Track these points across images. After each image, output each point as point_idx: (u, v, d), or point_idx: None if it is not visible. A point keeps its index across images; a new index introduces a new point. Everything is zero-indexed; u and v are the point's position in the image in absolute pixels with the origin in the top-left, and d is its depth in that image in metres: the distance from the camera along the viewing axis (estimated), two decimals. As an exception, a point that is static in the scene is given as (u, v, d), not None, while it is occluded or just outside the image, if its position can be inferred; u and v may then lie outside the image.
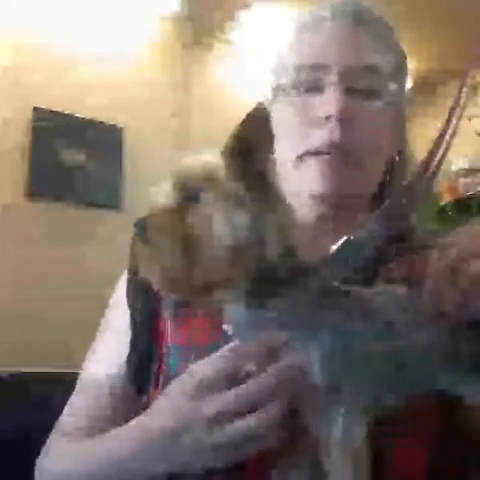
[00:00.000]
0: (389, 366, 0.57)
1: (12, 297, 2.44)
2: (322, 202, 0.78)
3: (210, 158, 0.59)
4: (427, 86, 3.77)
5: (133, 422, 0.66)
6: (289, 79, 0.80)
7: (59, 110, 2.76)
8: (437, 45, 3.40)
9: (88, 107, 2.79)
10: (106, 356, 0.81)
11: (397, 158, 0.85)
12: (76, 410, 0.80)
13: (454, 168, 3.33)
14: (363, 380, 0.56)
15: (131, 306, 0.80)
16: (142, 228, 0.57)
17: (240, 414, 0.56)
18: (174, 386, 0.62)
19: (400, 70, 0.83)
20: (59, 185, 2.75)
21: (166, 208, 0.57)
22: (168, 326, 0.75)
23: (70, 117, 2.79)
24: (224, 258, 0.55)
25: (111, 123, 2.90)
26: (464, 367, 0.57)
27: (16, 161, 2.65)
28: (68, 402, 0.82)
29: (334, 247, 0.59)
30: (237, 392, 0.56)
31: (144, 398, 0.76)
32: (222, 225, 0.55)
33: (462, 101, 0.61)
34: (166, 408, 0.61)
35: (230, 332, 0.60)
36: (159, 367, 0.75)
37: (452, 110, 0.61)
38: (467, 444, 0.64)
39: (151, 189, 0.58)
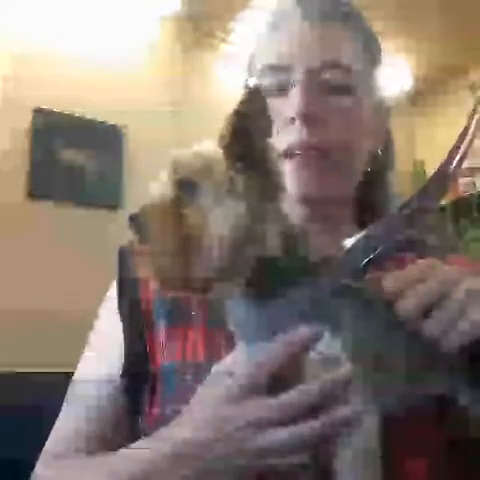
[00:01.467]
0: (398, 366, 0.57)
1: (12, 296, 2.44)
2: (301, 201, 0.77)
3: (205, 149, 0.58)
4: (427, 86, 3.77)
5: (158, 434, 0.62)
6: (258, 80, 0.79)
7: (59, 110, 2.75)
8: (437, 45, 3.39)
9: (88, 107, 2.79)
10: (97, 367, 0.78)
11: (379, 152, 0.83)
12: (66, 427, 0.77)
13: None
14: (375, 379, 0.55)
15: (121, 315, 0.78)
16: (138, 223, 0.56)
17: (282, 422, 0.53)
18: (205, 392, 0.59)
19: (375, 62, 0.82)
20: (59, 185, 2.74)
21: (162, 202, 0.56)
22: (161, 339, 0.74)
23: (70, 117, 2.79)
24: (222, 253, 0.54)
25: (111, 123, 2.90)
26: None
27: (16, 161, 2.65)
28: (56, 423, 0.78)
29: (350, 242, 0.59)
30: (282, 400, 0.54)
31: (139, 416, 0.74)
32: (219, 220, 0.54)
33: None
34: (200, 417, 0.57)
35: (234, 329, 0.60)
36: (154, 384, 0.73)
37: (472, 116, 0.60)
38: (466, 453, 0.63)
39: (148, 184, 0.57)
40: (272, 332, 0.56)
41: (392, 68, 3.34)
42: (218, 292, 0.57)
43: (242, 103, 0.56)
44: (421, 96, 3.84)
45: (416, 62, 3.58)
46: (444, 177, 0.60)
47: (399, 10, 3.00)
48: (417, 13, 3.06)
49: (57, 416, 0.79)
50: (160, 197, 0.56)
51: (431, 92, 3.77)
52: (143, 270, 0.57)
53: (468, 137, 0.60)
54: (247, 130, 0.56)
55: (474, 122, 0.60)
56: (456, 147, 0.60)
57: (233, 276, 0.55)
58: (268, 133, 0.57)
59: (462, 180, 3.44)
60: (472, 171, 3.44)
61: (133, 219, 0.55)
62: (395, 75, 3.47)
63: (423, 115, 3.77)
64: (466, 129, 0.60)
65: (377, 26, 0.87)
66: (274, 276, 0.56)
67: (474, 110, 0.60)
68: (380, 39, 0.84)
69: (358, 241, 0.58)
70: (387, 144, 0.86)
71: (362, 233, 0.59)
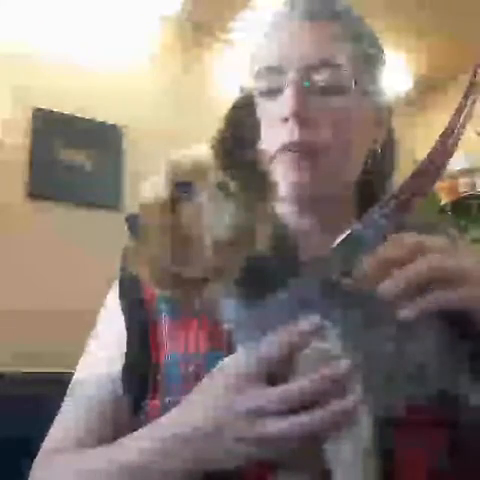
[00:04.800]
0: (395, 364, 0.57)
1: (12, 297, 2.44)
2: (296, 201, 0.77)
3: (201, 152, 0.58)
4: (427, 86, 3.77)
5: (155, 424, 0.63)
6: (252, 83, 0.80)
7: (59, 110, 2.75)
8: (437, 45, 3.39)
9: (88, 107, 2.79)
10: (98, 366, 0.78)
11: (379, 150, 0.83)
12: (66, 424, 0.77)
13: (454, 168, 3.34)
14: (371, 379, 0.56)
15: (124, 310, 0.78)
16: (133, 223, 0.56)
17: (282, 412, 0.54)
18: (207, 382, 0.59)
19: (372, 61, 0.81)
20: (59, 185, 2.74)
21: (157, 202, 0.56)
22: (164, 333, 0.74)
23: (70, 117, 2.79)
24: (216, 253, 0.54)
25: (111, 123, 2.90)
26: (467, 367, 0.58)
27: (16, 161, 2.65)
28: (55, 419, 0.78)
29: (338, 240, 0.59)
30: (282, 390, 0.54)
31: (140, 413, 0.74)
32: (213, 219, 0.55)
33: (470, 98, 0.60)
34: (200, 404, 0.58)
35: (228, 328, 0.60)
36: (155, 379, 0.73)
37: (465, 96, 0.60)
38: (469, 453, 0.63)
39: (143, 184, 0.58)
40: (262, 331, 0.56)
41: (392, 68, 3.34)
42: (211, 291, 0.57)
43: (232, 109, 0.57)
44: (421, 96, 3.84)
45: (416, 62, 3.58)
46: (425, 174, 0.60)
47: (400, 10, 3.00)
48: (418, 13, 3.06)
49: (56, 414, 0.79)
50: (155, 197, 0.56)
51: (431, 92, 3.77)
52: (139, 269, 0.57)
53: (456, 130, 0.60)
54: (236, 135, 0.57)
55: (463, 116, 0.60)
56: (441, 142, 0.60)
57: (225, 276, 0.56)
58: (257, 138, 0.58)
59: (462, 180, 3.44)
60: (472, 171, 3.44)
61: (129, 219, 0.56)
62: (395, 75, 3.47)
63: (423, 115, 3.78)
64: (453, 122, 0.60)
65: (377, 26, 0.87)
66: (264, 276, 0.57)
67: (465, 99, 0.60)
68: (379, 38, 0.84)
69: (344, 240, 0.59)
70: (389, 144, 0.86)
71: (347, 232, 0.59)
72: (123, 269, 0.81)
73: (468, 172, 3.43)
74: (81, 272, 2.53)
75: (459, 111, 0.60)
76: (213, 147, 0.57)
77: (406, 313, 0.53)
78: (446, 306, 0.55)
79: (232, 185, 0.56)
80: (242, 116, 0.57)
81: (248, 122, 0.57)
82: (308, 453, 0.56)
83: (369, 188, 0.84)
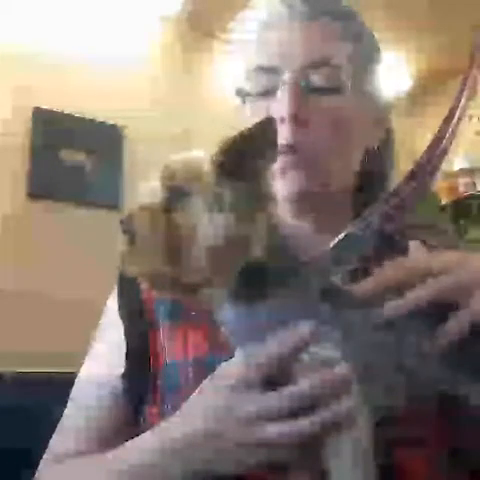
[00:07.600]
0: (392, 366, 0.57)
1: (12, 297, 2.44)
2: (293, 203, 0.77)
3: (198, 156, 0.58)
4: (427, 86, 3.77)
5: (157, 428, 0.63)
6: (248, 83, 0.80)
7: (59, 110, 2.75)
8: (437, 45, 3.39)
9: (88, 107, 2.79)
10: (100, 370, 0.78)
11: (377, 150, 0.83)
12: (66, 433, 0.78)
13: (454, 168, 3.34)
14: (370, 380, 0.56)
15: (123, 314, 0.79)
16: (129, 227, 0.56)
17: (282, 416, 0.54)
18: (207, 386, 0.59)
19: (370, 61, 0.81)
20: (59, 185, 2.74)
21: (153, 206, 0.56)
22: (163, 336, 0.74)
23: (70, 117, 2.79)
24: (210, 257, 0.55)
25: (111, 123, 2.90)
26: (465, 368, 0.58)
27: (16, 161, 2.65)
28: (59, 424, 0.79)
29: (334, 242, 0.59)
30: (283, 393, 0.54)
31: (140, 417, 0.75)
32: (208, 225, 0.55)
33: (468, 90, 0.60)
34: (200, 409, 0.58)
35: (225, 332, 0.60)
36: (155, 383, 0.74)
37: (459, 94, 0.60)
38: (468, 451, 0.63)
39: (139, 189, 0.58)
40: (261, 335, 0.56)
41: (392, 68, 3.34)
42: (208, 295, 0.57)
43: (252, 129, 0.56)
44: (421, 96, 3.84)
45: (416, 62, 3.58)
46: (422, 172, 0.60)
47: (400, 10, 3.00)
48: (418, 13, 3.06)
49: (59, 416, 0.79)
50: (150, 201, 0.56)
51: (431, 92, 3.77)
52: (135, 272, 0.57)
53: (450, 128, 0.59)
54: (249, 154, 0.56)
55: (457, 113, 0.59)
56: (436, 140, 0.60)
57: (220, 281, 0.56)
58: (272, 161, 0.58)
59: (462, 180, 3.44)
60: (472, 171, 3.44)
61: (124, 222, 0.56)
62: (395, 75, 3.47)
63: (423, 115, 3.78)
64: (447, 120, 0.59)
65: (377, 26, 0.87)
66: (262, 279, 0.57)
67: (463, 85, 0.60)
68: (377, 38, 0.84)
69: (340, 240, 0.59)
70: (387, 144, 0.86)
71: (344, 232, 0.59)
72: (122, 272, 0.81)
73: (468, 172, 3.43)
74: (81, 272, 2.53)
75: (457, 102, 0.60)
76: (216, 159, 0.57)
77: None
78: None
79: (228, 193, 0.56)
80: (262, 138, 0.56)
81: (267, 144, 0.57)
82: (308, 454, 0.56)
83: (368, 188, 0.84)
